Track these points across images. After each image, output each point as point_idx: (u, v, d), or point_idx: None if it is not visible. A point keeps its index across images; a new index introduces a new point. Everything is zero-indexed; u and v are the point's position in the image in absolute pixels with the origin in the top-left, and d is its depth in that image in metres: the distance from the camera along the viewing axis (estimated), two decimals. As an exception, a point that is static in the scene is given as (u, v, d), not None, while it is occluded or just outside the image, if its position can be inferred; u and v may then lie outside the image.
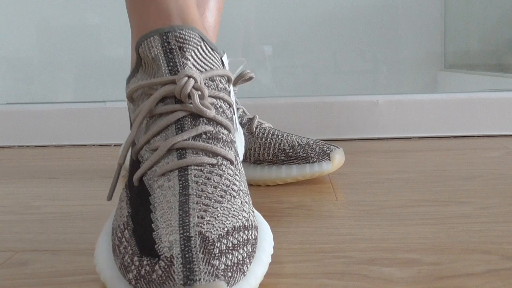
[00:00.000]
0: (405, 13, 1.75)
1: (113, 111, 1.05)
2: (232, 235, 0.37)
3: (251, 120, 0.73)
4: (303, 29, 1.73)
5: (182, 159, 0.41)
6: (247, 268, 0.36)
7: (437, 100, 1.03)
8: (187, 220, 0.37)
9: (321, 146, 0.70)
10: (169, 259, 0.34)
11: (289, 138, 0.71)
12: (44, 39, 1.71)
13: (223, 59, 0.49)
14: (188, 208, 0.38)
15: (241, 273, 0.36)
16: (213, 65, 0.46)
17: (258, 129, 0.72)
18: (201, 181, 0.40)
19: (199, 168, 0.41)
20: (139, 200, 0.41)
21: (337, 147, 0.71)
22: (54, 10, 1.68)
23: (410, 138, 1.02)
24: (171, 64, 0.44)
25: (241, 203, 0.41)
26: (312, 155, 0.68)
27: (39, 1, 1.68)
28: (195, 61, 0.45)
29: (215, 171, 0.41)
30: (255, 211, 0.45)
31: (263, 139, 0.71)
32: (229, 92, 0.48)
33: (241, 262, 0.36)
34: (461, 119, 1.02)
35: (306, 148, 0.69)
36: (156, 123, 0.43)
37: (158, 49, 0.45)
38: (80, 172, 0.81)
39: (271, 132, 0.72)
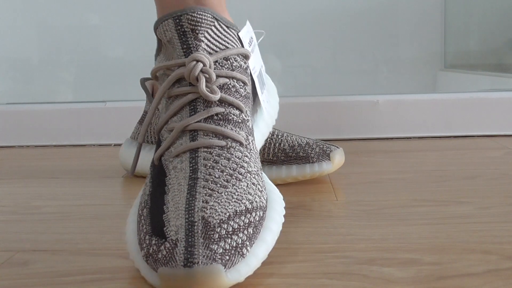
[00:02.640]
0: (405, 13, 1.75)
1: (113, 111, 1.05)
2: (233, 220, 0.40)
3: (251, 120, 0.73)
4: (303, 29, 1.73)
5: (193, 141, 0.44)
6: (247, 250, 0.39)
7: (437, 100, 1.03)
8: (192, 205, 0.40)
9: (321, 146, 0.70)
10: (174, 241, 0.38)
11: (289, 138, 0.71)
12: (44, 39, 1.71)
13: (240, 34, 0.49)
14: (195, 192, 0.41)
15: (239, 255, 0.38)
16: (228, 43, 0.48)
17: (258, 129, 0.72)
18: (210, 164, 0.43)
19: (209, 150, 0.43)
20: (157, 180, 0.44)
21: (337, 147, 0.71)
22: (54, 10, 1.68)
23: (410, 138, 1.02)
24: (185, 46, 0.46)
25: (247, 185, 0.43)
26: (312, 155, 0.68)
27: (39, 1, 1.68)
28: (209, 41, 0.47)
29: (224, 154, 0.43)
30: (268, 183, 0.46)
31: (263, 139, 0.71)
32: (246, 68, 0.49)
33: (240, 245, 0.39)
34: (461, 119, 1.02)
35: (306, 148, 0.69)
36: (173, 104, 0.46)
37: (173, 32, 0.47)
38: (80, 172, 0.81)
39: (271, 132, 0.72)
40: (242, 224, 0.40)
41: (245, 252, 0.39)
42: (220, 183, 0.42)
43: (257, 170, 0.45)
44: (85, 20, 1.70)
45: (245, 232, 0.40)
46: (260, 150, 0.70)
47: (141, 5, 1.60)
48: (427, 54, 1.78)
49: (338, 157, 0.70)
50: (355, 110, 1.03)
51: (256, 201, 0.42)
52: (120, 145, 1.03)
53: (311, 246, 0.47)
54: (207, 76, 0.45)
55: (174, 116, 0.46)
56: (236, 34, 0.49)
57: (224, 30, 0.48)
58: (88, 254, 0.47)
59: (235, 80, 0.47)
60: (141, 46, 1.65)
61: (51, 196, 0.68)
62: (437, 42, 1.75)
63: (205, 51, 0.46)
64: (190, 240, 0.37)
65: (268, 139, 0.70)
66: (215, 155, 0.43)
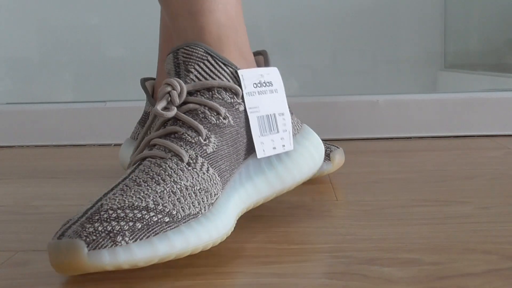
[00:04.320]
0: (405, 13, 1.75)
1: (113, 111, 1.05)
2: (123, 209, 0.41)
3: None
4: (303, 29, 1.73)
5: (146, 152, 0.48)
6: (124, 241, 0.39)
7: (437, 100, 1.03)
8: (106, 195, 0.43)
9: (321, 146, 0.70)
10: (68, 220, 0.41)
11: (289, 138, 0.70)
12: (44, 39, 1.71)
13: (241, 72, 0.52)
14: (116, 187, 0.44)
15: (110, 241, 0.39)
16: (218, 77, 0.51)
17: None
18: (143, 169, 0.46)
19: (152, 160, 0.47)
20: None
21: (337, 147, 0.71)
22: (54, 10, 1.68)
23: (410, 138, 1.02)
24: (176, 76, 0.51)
25: (162, 191, 0.44)
26: (312, 155, 0.68)
27: (39, 1, 1.68)
28: (199, 73, 0.50)
29: (158, 162, 0.46)
30: (215, 221, 0.45)
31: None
32: (231, 103, 0.51)
33: (115, 232, 0.39)
34: (461, 119, 1.02)
35: (306, 148, 0.69)
36: (156, 122, 0.51)
37: (171, 64, 0.52)
38: (80, 172, 0.81)
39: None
40: (131, 216, 0.41)
41: (119, 241, 0.39)
42: (137, 181, 0.44)
43: (193, 187, 0.45)
44: (85, 20, 1.70)
45: (130, 224, 0.40)
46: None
47: (141, 5, 1.60)
48: (427, 54, 1.78)
49: (338, 157, 0.70)
50: (355, 110, 1.03)
51: (164, 206, 0.43)
52: (120, 145, 1.03)
53: (311, 246, 0.47)
54: (169, 98, 0.49)
55: (156, 130, 0.50)
56: (232, 72, 0.51)
57: (218, 65, 0.51)
58: (88, 254, 0.47)
59: (206, 108, 0.50)
60: (141, 46, 1.65)
61: (51, 196, 0.68)
62: (437, 42, 1.75)
63: (192, 81, 0.50)
64: (78, 219, 0.41)
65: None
66: (153, 163, 0.46)
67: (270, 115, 0.53)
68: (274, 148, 0.53)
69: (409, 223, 0.53)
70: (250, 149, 0.53)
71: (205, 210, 0.45)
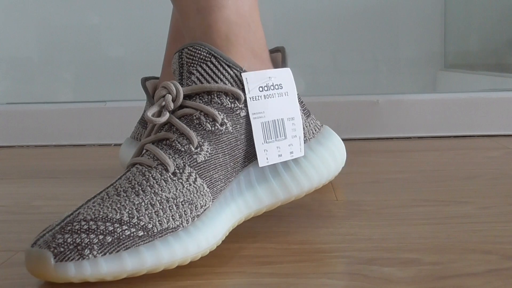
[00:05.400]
0: (405, 13, 1.75)
1: (113, 111, 1.05)
2: (95, 221, 0.41)
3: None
4: (303, 29, 1.73)
5: (136, 158, 0.47)
6: (92, 254, 0.39)
7: (437, 100, 1.03)
8: (86, 203, 0.43)
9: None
10: (48, 226, 0.42)
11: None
12: (44, 39, 1.71)
13: (246, 75, 0.49)
14: (98, 195, 0.44)
15: (77, 254, 0.39)
16: (220, 79, 0.48)
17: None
18: (128, 176, 0.45)
19: (139, 167, 0.46)
20: None
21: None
22: (54, 10, 1.68)
23: (410, 138, 1.02)
24: (179, 77, 0.49)
25: (140, 203, 0.42)
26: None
27: (39, 1, 1.68)
28: (201, 74, 0.48)
29: (143, 171, 0.45)
30: (197, 236, 0.43)
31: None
32: (230, 108, 0.48)
33: (83, 245, 0.39)
34: (461, 119, 1.02)
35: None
36: (150, 125, 0.50)
37: (176, 64, 0.50)
38: (80, 172, 0.81)
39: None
40: (102, 229, 0.40)
41: (87, 254, 0.39)
42: (118, 191, 0.44)
43: (175, 199, 0.43)
44: (85, 20, 1.70)
45: (100, 237, 0.40)
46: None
47: (141, 5, 1.60)
48: (427, 54, 1.78)
49: (338, 157, 0.69)
50: (355, 110, 1.03)
51: (139, 220, 0.41)
52: (120, 145, 1.03)
53: (311, 246, 0.47)
54: (163, 103, 0.48)
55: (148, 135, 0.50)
56: (235, 74, 0.49)
57: (222, 67, 0.48)
58: (88, 254, 0.47)
59: (202, 114, 0.47)
60: (141, 46, 1.65)
61: (51, 196, 0.68)
62: (437, 42, 1.75)
63: (193, 83, 0.48)
64: (53, 227, 0.41)
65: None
66: (138, 171, 0.45)
67: (278, 120, 0.50)
68: (280, 155, 0.50)
69: (409, 223, 0.53)
70: (252, 156, 0.50)
71: (187, 223, 0.43)
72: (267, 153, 0.49)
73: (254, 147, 0.49)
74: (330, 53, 1.77)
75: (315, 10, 1.73)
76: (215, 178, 0.47)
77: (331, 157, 0.55)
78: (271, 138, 0.50)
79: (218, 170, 0.47)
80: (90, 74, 1.72)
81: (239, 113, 0.49)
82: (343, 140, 0.58)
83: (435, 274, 0.41)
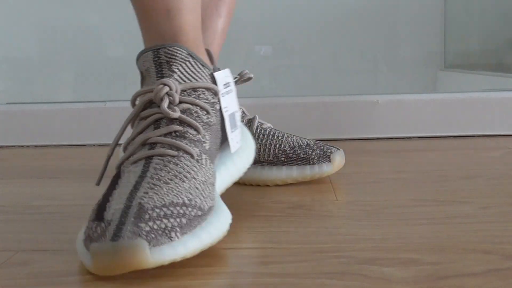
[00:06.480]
0: (405, 13, 1.75)
1: (113, 111, 1.05)
2: (167, 207, 0.43)
3: (251, 121, 0.73)
4: (303, 29, 1.73)
5: (150, 150, 0.49)
6: (176, 236, 0.42)
7: (437, 100, 1.03)
8: (134, 194, 0.44)
9: (322, 147, 0.70)
10: (109, 221, 0.42)
11: (289, 139, 0.70)
12: (44, 39, 1.71)
13: (215, 74, 0.55)
14: (140, 186, 0.45)
15: (166, 237, 0.41)
16: (199, 78, 0.53)
17: (258, 130, 0.72)
18: (159, 167, 0.47)
19: (161, 158, 0.48)
20: (112, 183, 0.48)
21: (337, 148, 0.71)
22: (54, 10, 1.68)
23: (410, 138, 1.02)
24: (159, 75, 0.52)
25: (189, 187, 0.46)
26: (313, 156, 0.68)
27: (39, 1, 1.68)
28: (182, 73, 0.52)
29: (173, 161, 0.48)
30: (222, 205, 0.49)
31: (264, 140, 0.71)
32: (213, 103, 0.54)
33: (169, 228, 0.42)
34: (461, 119, 1.02)
35: (307, 149, 0.69)
36: (140, 124, 0.51)
37: (150, 62, 0.53)
38: (80, 172, 0.81)
39: (272, 133, 0.72)
40: (176, 213, 0.43)
41: (173, 236, 0.42)
42: (164, 180, 0.46)
43: (206, 181, 0.49)
44: (85, 20, 1.70)
45: (178, 220, 0.43)
46: (260, 151, 0.70)
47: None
48: (427, 54, 1.78)
49: (339, 159, 0.69)
50: (355, 110, 1.03)
51: (195, 201, 0.46)
52: (120, 145, 1.03)
53: (311, 246, 0.47)
54: (171, 98, 0.51)
55: (140, 133, 0.51)
56: (209, 73, 0.55)
57: (198, 67, 0.53)
58: (88, 254, 0.47)
59: (198, 108, 0.52)
60: (141, 46, 1.65)
61: (51, 196, 0.68)
62: (437, 42, 1.75)
63: (176, 81, 0.52)
64: (122, 219, 0.41)
65: (269, 140, 0.70)
66: (166, 161, 0.48)
67: (233, 113, 0.58)
68: (237, 142, 0.59)
69: (409, 223, 0.53)
70: (221, 143, 0.57)
71: (213, 201, 0.49)
72: (233, 141, 0.58)
73: (224, 136, 0.57)
74: (330, 53, 1.77)
75: (315, 10, 1.73)
76: (214, 162, 0.54)
77: (250, 148, 0.63)
78: (233, 128, 0.58)
79: (213, 154, 0.53)
80: (90, 74, 1.72)
81: (216, 107, 0.55)
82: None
83: (435, 274, 0.41)
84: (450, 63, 1.76)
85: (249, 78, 0.72)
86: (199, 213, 0.45)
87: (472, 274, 0.41)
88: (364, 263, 0.43)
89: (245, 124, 0.73)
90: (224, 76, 0.57)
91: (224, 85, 0.57)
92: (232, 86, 0.59)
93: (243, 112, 0.74)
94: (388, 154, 0.89)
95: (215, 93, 0.55)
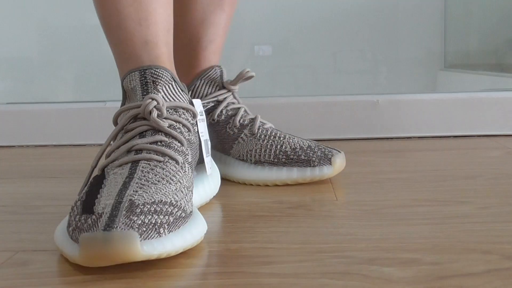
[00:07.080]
0: (405, 13, 1.75)
1: (113, 111, 1.04)
2: (156, 204, 0.45)
3: (253, 120, 0.73)
4: (303, 29, 1.74)
5: (136, 155, 0.51)
6: (164, 232, 0.43)
7: (437, 100, 1.03)
8: (124, 192, 0.45)
9: (323, 149, 0.69)
10: (100, 214, 0.43)
11: (291, 140, 0.70)
12: (44, 39, 1.71)
13: (193, 101, 0.60)
14: (129, 185, 0.47)
15: (156, 233, 0.42)
16: (180, 100, 0.57)
17: (260, 130, 0.72)
18: (146, 170, 0.49)
19: (148, 162, 0.50)
20: (96, 183, 0.50)
21: (338, 151, 0.70)
22: (54, 10, 1.68)
23: (410, 138, 1.02)
24: (145, 93, 0.56)
25: (176, 189, 0.48)
26: (314, 158, 0.68)
27: (39, 1, 1.68)
28: (165, 94, 0.56)
29: (160, 165, 0.50)
30: (199, 216, 0.50)
31: (265, 141, 0.70)
32: (192, 124, 0.58)
33: (158, 224, 0.43)
34: (461, 119, 1.02)
35: (308, 151, 0.69)
36: (125, 136, 0.54)
37: (137, 81, 0.56)
38: (80, 172, 0.81)
39: (273, 133, 0.71)
40: (164, 210, 0.45)
41: (162, 232, 0.43)
42: (152, 181, 0.48)
43: (189, 187, 0.51)
44: (85, 20, 1.70)
45: (166, 217, 0.44)
46: (261, 151, 0.70)
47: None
48: (427, 54, 1.78)
49: (339, 162, 0.69)
50: (355, 110, 1.03)
51: (181, 203, 0.47)
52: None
53: (311, 246, 0.47)
54: (159, 112, 0.53)
55: (126, 142, 0.53)
56: (188, 98, 0.59)
57: (179, 90, 0.57)
58: (88, 254, 0.47)
59: (181, 125, 0.56)
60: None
61: (51, 196, 0.68)
62: (437, 42, 1.75)
63: (162, 99, 0.55)
64: (114, 212, 0.42)
65: (270, 141, 0.70)
66: (153, 165, 0.50)
67: (206, 140, 0.62)
68: (210, 168, 0.63)
69: (409, 223, 0.53)
70: (198, 163, 0.61)
71: (193, 207, 0.51)
72: (208, 165, 0.62)
73: (200, 156, 0.61)
74: (330, 53, 1.78)
75: (316, 10, 1.73)
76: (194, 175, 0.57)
77: (217, 177, 0.66)
78: (207, 154, 0.62)
79: (193, 169, 0.57)
80: (90, 74, 1.72)
81: (195, 128, 0.59)
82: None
83: (435, 274, 0.41)
84: (450, 63, 1.76)
85: (250, 77, 0.72)
86: (183, 214, 0.47)
87: (472, 274, 0.41)
88: (364, 263, 0.43)
89: (247, 124, 0.72)
90: (199, 105, 0.62)
91: (200, 112, 0.60)
92: (204, 116, 0.63)
93: (245, 111, 0.74)
94: (388, 154, 0.89)
95: (194, 116, 0.58)
